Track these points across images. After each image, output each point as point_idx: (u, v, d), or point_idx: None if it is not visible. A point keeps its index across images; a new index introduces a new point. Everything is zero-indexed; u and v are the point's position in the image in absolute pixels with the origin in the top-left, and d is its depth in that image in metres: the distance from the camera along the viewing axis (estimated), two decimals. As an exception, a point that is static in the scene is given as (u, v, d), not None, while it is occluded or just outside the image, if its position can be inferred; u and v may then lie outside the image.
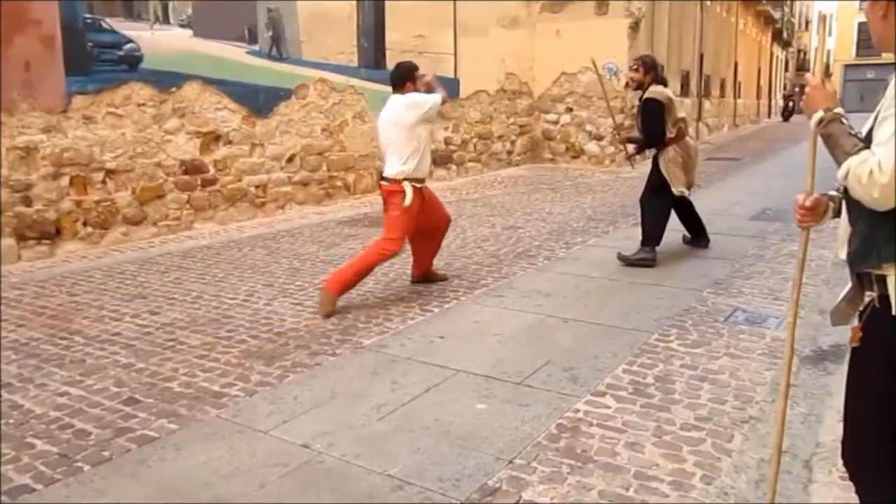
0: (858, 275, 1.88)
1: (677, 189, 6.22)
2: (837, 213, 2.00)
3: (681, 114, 6.37)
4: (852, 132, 1.80)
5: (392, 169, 4.98)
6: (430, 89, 5.13)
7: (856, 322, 1.91)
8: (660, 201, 6.25)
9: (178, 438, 3.13)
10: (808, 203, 1.98)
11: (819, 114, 1.85)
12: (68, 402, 3.49)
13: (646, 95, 6.17)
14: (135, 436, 3.15)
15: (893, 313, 1.75)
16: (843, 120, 1.83)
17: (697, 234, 6.76)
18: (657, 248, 6.18)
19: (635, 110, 6.65)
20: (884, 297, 1.78)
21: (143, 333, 4.51)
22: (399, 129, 4.95)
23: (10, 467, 2.88)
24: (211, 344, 4.31)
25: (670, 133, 6.17)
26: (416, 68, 5.17)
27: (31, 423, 3.27)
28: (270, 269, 6.18)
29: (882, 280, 1.78)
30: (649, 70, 6.25)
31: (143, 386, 3.69)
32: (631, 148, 6.95)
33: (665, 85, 6.37)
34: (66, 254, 6.72)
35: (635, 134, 6.75)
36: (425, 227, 5.25)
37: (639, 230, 6.30)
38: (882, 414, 1.84)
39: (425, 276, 5.57)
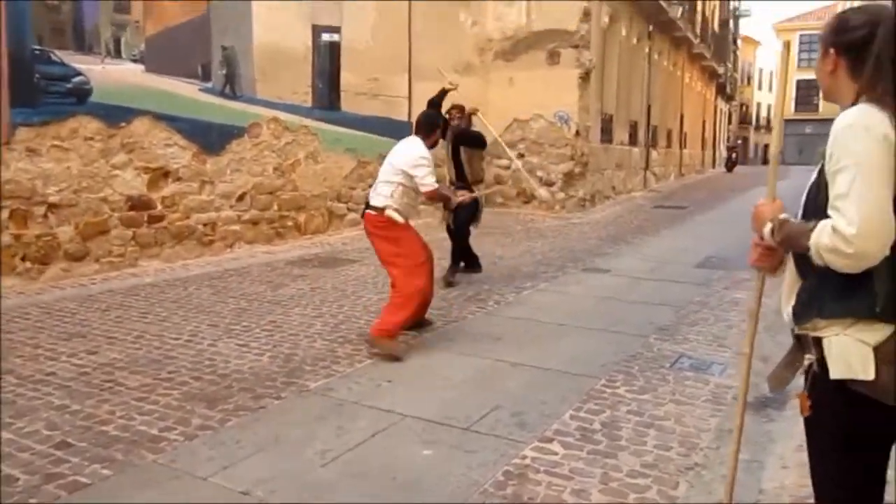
0: (798, 337, 1.84)
1: (479, 221, 7.49)
2: None
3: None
4: (801, 222, 1.76)
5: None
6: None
7: (798, 387, 1.86)
8: (467, 230, 7.41)
9: (111, 485, 3.00)
10: (767, 242, 1.86)
11: (768, 225, 1.83)
12: (-5, 446, 3.33)
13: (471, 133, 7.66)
14: (65, 482, 3.01)
15: (831, 377, 1.69)
16: (791, 219, 1.81)
17: (469, 262, 7.62)
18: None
19: (450, 151, 7.54)
20: (822, 361, 1.72)
21: (79, 374, 4.35)
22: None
23: (-72, 516, 2.72)
24: (151, 385, 4.17)
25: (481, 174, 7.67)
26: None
27: (-47, 469, 3.11)
28: (216, 308, 6.06)
29: (819, 343, 1.73)
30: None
31: (77, 429, 3.54)
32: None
33: None
34: (3, 290, 6.48)
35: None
36: None
37: (587, 275, 6.50)
38: (848, 482, 1.77)
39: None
